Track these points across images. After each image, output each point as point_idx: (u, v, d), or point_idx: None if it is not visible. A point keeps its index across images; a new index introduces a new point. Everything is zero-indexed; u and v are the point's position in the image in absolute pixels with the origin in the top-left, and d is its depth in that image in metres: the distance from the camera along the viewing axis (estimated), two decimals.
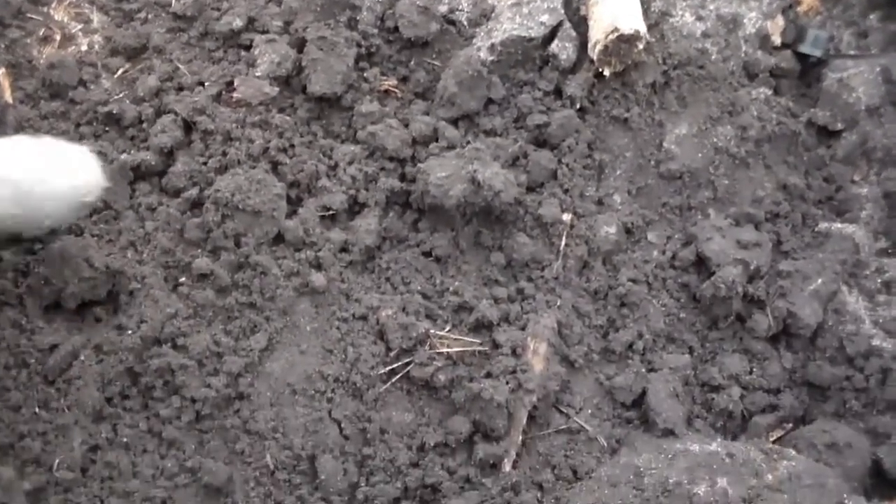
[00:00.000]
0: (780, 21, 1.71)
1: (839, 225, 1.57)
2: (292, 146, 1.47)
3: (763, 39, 1.70)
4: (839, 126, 1.65)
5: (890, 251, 1.59)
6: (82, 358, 1.26)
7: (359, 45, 1.55)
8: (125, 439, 1.25)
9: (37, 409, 1.23)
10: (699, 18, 1.66)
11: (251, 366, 1.32)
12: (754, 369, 1.48)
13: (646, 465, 1.30)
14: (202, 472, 1.25)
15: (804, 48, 1.70)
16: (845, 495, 1.26)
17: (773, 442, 1.42)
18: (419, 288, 1.44)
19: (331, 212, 1.44)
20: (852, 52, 1.71)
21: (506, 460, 1.34)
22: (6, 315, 1.25)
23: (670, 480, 1.26)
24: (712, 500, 1.24)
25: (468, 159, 1.43)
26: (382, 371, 1.35)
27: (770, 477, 1.27)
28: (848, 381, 1.46)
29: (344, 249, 1.43)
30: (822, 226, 1.58)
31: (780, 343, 1.51)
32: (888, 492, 1.37)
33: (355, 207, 1.48)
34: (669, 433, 1.38)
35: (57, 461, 1.21)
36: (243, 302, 1.34)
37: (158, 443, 1.27)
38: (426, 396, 1.37)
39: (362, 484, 1.31)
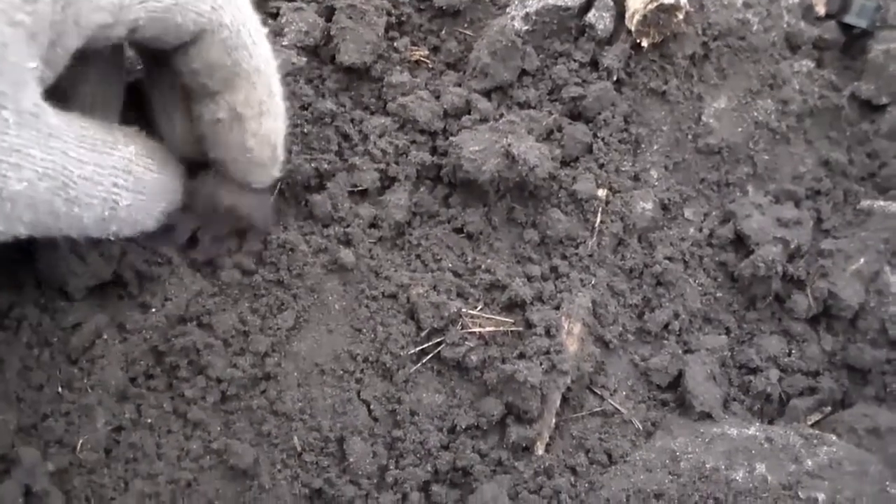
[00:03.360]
0: None
1: (882, 203, 1.54)
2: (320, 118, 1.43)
3: (806, 9, 1.66)
4: (884, 100, 1.61)
5: None
6: (105, 337, 1.23)
7: (389, 14, 1.51)
8: (149, 420, 1.23)
9: (60, 389, 1.20)
10: None
11: (278, 345, 1.29)
12: (793, 351, 1.46)
13: (682, 450, 1.28)
14: (228, 453, 1.23)
15: (849, 18, 1.66)
16: (888, 482, 1.24)
17: (812, 426, 1.40)
18: (450, 265, 1.41)
19: (360, 187, 1.41)
20: None
21: (539, 443, 1.32)
22: (27, 294, 1.22)
23: (707, 465, 1.24)
24: (751, 486, 1.22)
25: (502, 133, 1.40)
26: (413, 351, 1.33)
27: (810, 463, 1.25)
28: (889, 365, 1.43)
29: (373, 225, 1.40)
30: (865, 203, 1.55)
31: (819, 324, 1.49)
32: None
33: (385, 182, 1.44)
34: (706, 416, 1.36)
35: (80, 442, 1.18)
36: (270, 280, 1.31)
37: (183, 424, 1.24)
38: (457, 377, 1.34)
39: (391, 466, 1.29)
